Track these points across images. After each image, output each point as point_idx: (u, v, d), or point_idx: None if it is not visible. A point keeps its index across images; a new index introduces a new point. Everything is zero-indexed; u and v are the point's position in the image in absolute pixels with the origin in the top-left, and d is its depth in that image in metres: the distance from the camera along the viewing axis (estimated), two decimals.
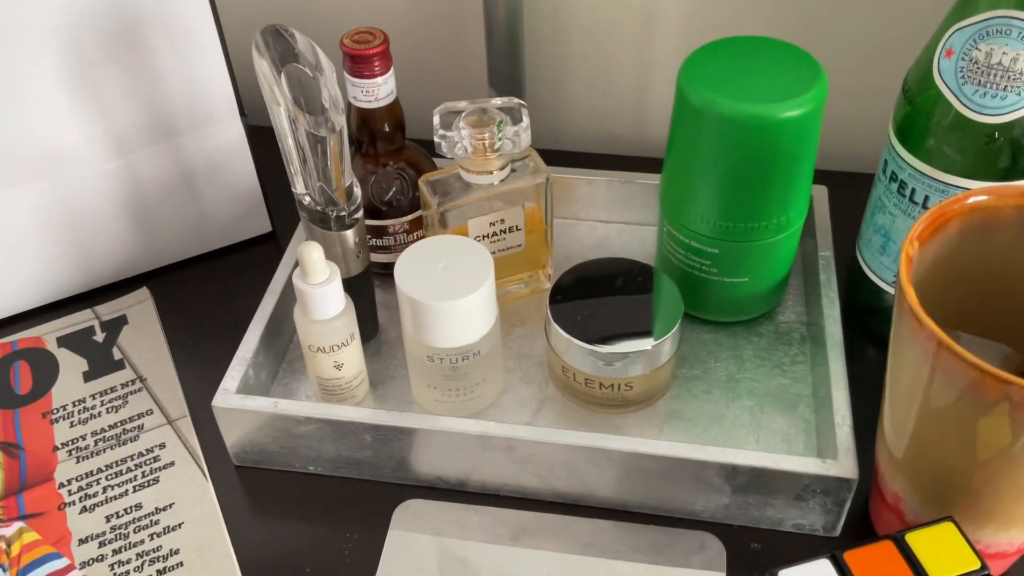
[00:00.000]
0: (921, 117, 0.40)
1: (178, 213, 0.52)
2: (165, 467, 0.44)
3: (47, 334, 0.51)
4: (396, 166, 0.48)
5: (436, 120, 0.44)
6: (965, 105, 0.38)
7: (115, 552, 0.41)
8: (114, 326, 0.51)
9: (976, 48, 0.38)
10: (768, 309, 0.48)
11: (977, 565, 0.31)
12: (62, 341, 0.50)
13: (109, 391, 0.47)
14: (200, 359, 0.48)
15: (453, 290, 0.40)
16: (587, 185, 0.53)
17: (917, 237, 0.33)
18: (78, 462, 0.44)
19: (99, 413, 0.47)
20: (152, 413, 0.46)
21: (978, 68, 0.38)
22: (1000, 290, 0.37)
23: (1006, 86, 0.37)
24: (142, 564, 0.40)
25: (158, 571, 0.40)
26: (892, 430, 0.35)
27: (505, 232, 0.47)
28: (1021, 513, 0.34)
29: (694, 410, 0.44)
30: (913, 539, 0.32)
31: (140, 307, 0.52)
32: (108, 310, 0.52)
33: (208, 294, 0.52)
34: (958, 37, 0.38)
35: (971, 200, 0.34)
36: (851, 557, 0.32)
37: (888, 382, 0.35)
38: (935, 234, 0.34)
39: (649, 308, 0.43)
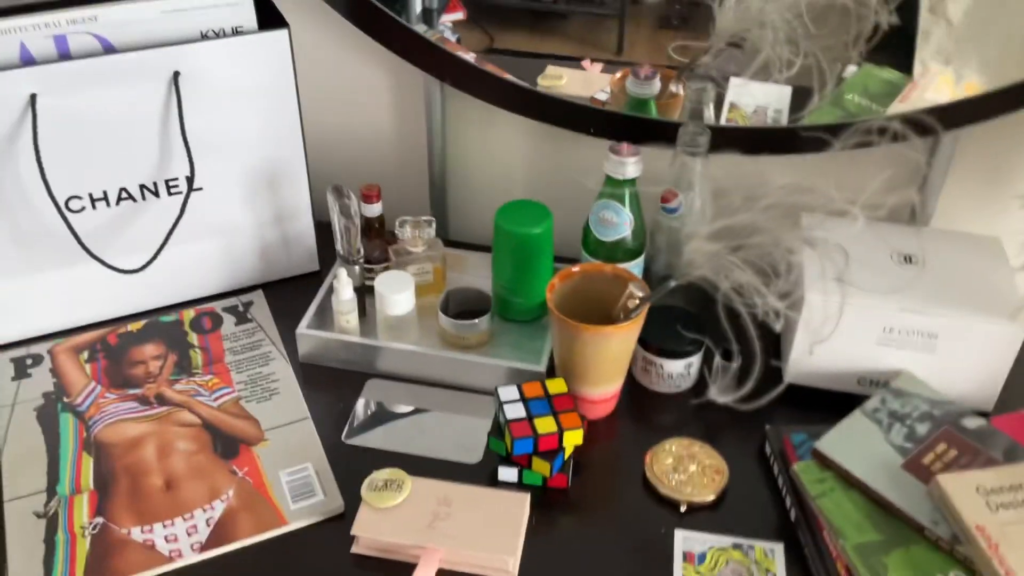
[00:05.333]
0: (588, 237, 1.02)
1: (273, 258, 1.14)
2: (270, 359, 1.04)
3: (217, 305, 1.11)
4: (381, 240, 1.10)
5: (397, 224, 1.06)
6: (598, 235, 1.01)
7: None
8: (248, 304, 1.11)
9: (602, 212, 1.00)
10: (534, 317, 1.09)
11: (565, 388, 0.92)
12: (224, 309, 1.11)
13: (247, 331, 1.08)
14: (287, 318, 1.09)
15: (397, 290, 1.01)
16: (467, 257, 1.15)
17: (558, 278, 0.95)
18: (238, 357, 1.04)
19: (240, 338, 1.07)
20: (264, 341, 1.06)
21: (600, 221, 1.00)
22: (590, 298, 0.97)
23: (611, 228, 0.99)
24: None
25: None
26: (558, 358, 0.96)
27: (424, 273, 1.08)
28: (596, 379, 0.94)
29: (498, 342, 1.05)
30: (548, 382, 0.93)
31: (258, 298, 1.13)
32: (246, 298, 1.12)
33: (291, 292, 1.13)
34: (595, 208, 1.01)
35: (577, 267, 0.96)
36: (526, 386, 0.92)
37: (555, 344, 0.96)
38: (565, 279, 0.95)
39: (484, 307, 1.04)
